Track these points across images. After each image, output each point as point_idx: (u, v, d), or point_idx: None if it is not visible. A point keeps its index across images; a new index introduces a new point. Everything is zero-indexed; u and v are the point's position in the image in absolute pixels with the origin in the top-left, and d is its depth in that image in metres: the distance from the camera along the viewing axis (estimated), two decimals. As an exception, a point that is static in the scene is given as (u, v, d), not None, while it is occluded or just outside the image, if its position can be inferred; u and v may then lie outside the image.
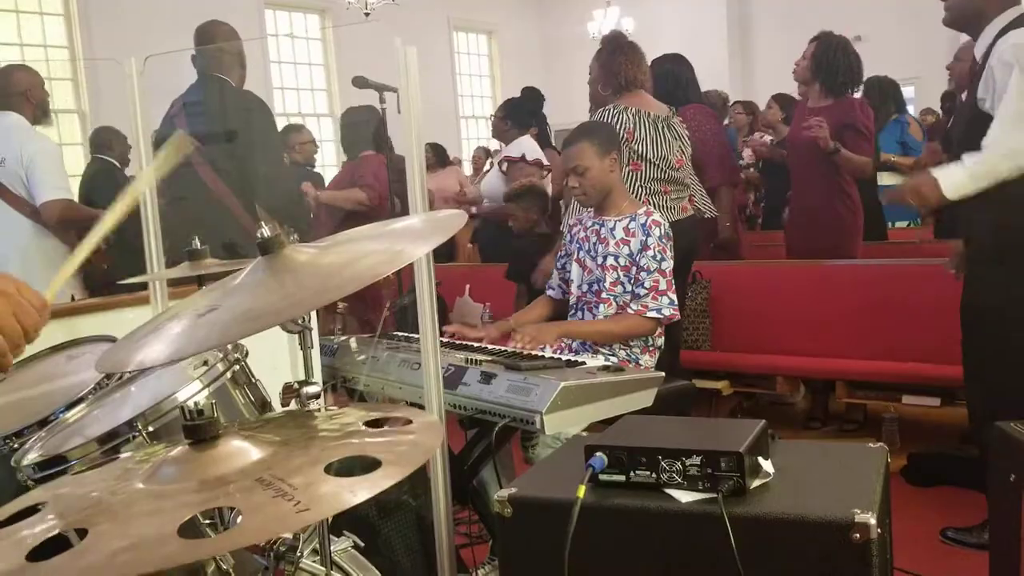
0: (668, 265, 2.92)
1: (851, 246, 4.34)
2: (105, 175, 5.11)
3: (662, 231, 2.94)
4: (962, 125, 2.95)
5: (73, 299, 3.59)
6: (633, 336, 2.94)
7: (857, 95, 4.47)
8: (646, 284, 2.90)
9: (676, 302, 2.93)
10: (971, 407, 3.01)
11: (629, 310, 2.92)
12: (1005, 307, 2.75)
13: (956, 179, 2.65)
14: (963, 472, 3.37)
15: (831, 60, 4.25)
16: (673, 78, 4.41)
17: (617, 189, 3.08)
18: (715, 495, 1.46)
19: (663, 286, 2.90)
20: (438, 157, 8.57)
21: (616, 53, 3.71)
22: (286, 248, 1.25)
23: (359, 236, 1.42)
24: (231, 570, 1.32)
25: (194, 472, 0.88)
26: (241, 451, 0.91)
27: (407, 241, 1.32)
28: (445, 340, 2.76)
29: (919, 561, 2.73)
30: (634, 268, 2.93)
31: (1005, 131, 2.62)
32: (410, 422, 0.99)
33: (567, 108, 7.45)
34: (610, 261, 2.98)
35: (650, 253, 2.91)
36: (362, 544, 1.73)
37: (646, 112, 3.58)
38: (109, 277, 4.25)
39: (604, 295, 2.99)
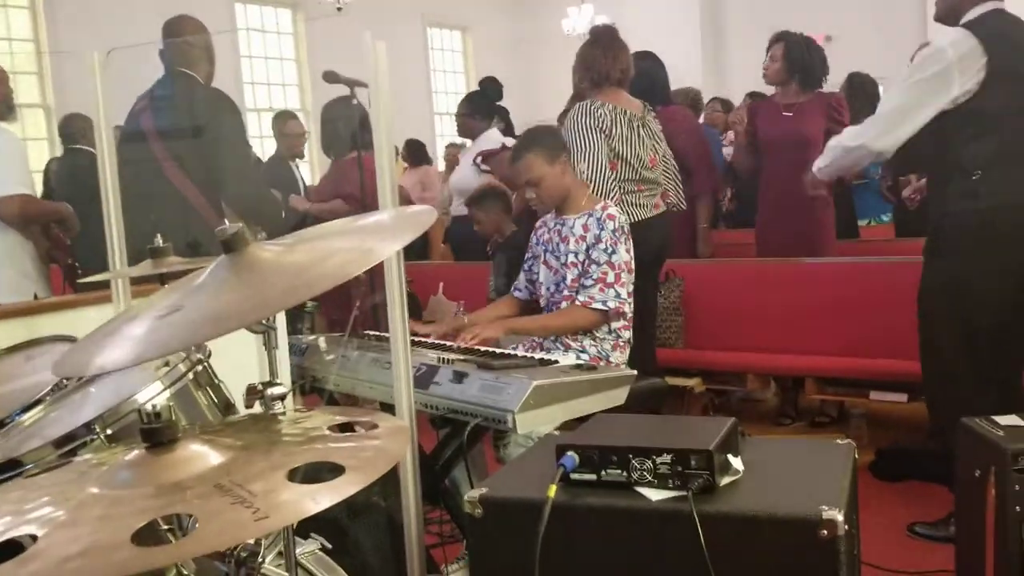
0: (619, 259, 2.90)
1: (826, 243, 4.38)
2: (86, 170, 4.90)
3: (615, 224, 2.92)
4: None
5: (36, 298, 3.54)
6: (577, 329, 2.92)
7: (826, 88, 4.49)
8: (594, 276, 2.89)
9: (623, 296, 2.90)
10: (928, 400, 3.06)
11: (576, 301, 2.91)
12: (944, 296, 2.86)
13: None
14: (929, 467, 3.40)
15: (805, 59, 4.27)
16: (649, 77, 4.39)
17: (575, 189, 3.07)
18: (685, 493, 1.46)
19: (611, 279, 2.88)
20: (412, 155, 8.51)
21: (593, 45, 3.68)
22: (250, 246, 1.23)
23: (326, 233, 1.40)
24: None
25: (151, 477, 0.85)
26: (200, 455, 0.88)
27: (376, 239, 1.29)
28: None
29: (886, 555, 2.75)
30: (587, 261, 2.93)
31: (873, 125, 2.93)
32: (376, 426, 0.97)
33: (540, 105, 7.45)
34: (570, 259, 2.97)
35: (601, 246, 2.90)
36: (329, 546, 1.71)
37: (623, 110, 3.57)
38: (76, 274, 4.19)
39: (566, 292, 2.98)
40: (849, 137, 3.01)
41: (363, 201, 4.20)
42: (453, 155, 9.28)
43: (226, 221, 1.26)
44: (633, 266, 2.96)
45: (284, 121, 5.78)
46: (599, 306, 2.87)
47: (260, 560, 0.98)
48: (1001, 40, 2.80)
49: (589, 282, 2.89)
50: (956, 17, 2.89)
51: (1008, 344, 2.93)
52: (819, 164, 3.15)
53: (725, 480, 1.52)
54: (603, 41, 3.69)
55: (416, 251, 6.18)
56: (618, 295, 2.88)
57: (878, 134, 2.89)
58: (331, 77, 3.88)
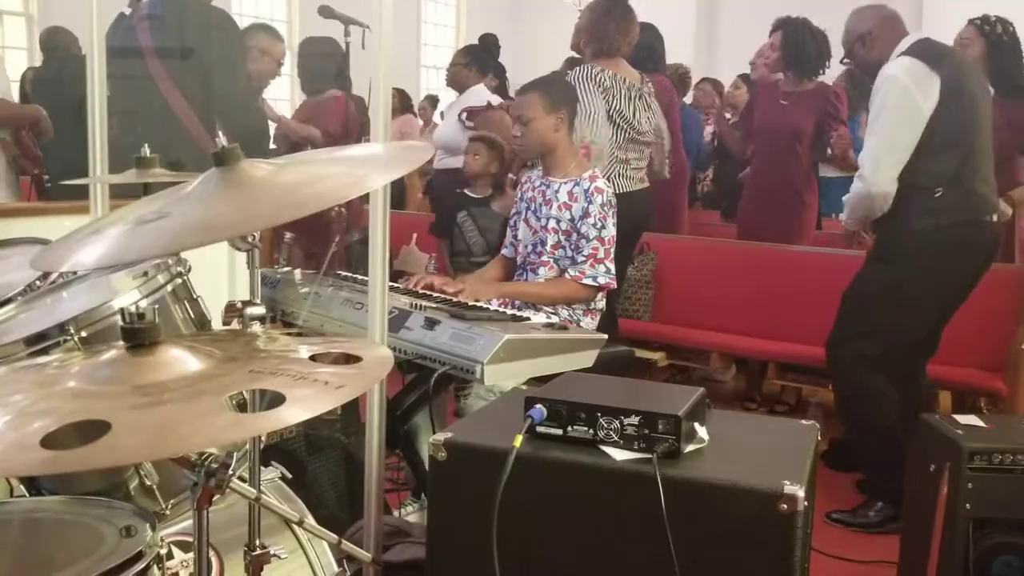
0: (608, 233, 2.91)
1: (806, 233, 4.41)
2: (69, 75, 4.63)
3: (604, 198, 2.91)
4: None
5: None
6: (569, 302, 2.94)
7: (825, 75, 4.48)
8: (585, 251, 2.89)
9: (613, 271, 2.92)
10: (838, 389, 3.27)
11: (567, 275, 2.91)
12: (884, 299, 2.99)
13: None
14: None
15: (801, 47, 4.25)
16: (648, 49, 4.36)
17: (563, 149, 3.02)
18: (650, 455, 1.47)
19: (601, 254, 2.89)
20: (402, 103, 8.39)
21: (606, 16, 3.64)
22: (242, 161, 1.20)
23: (318, 159, 1.38)
24: (155, 486, 1.29)
25: (129, 376, 0.84)
26: (180, 360, 0.87)
27: (370, 167, 1.27)
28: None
29: (832, 542, 2.81)
30: (575, 234, 2.92)
31: (864, 168, 2.98)
32: (359, 359, 0.95)
33: (531, 67, 7.36)
34: (552, 224, 2.96)
35: (591, 220, 2.89)
36: (289, 476, 1.70)
37: (622, 78, 3.55)
38: (43, 185, 4.10)
39: (545, 257, 2.98)
40: (853, 190, 3.07)
41: (346, 141, 4.13)
42: (426, 108, 9.17)
43: (219, 137, 1.23)
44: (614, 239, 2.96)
45: (262, 34, 4.31)
46: (590, 282, 2.88)
47: (230, 473, 0.97)
48: (945, 60, 2.93)
49: (580, 257, 2.89)
50: (880, 63, 3.02)
51: (926, 349, 3.16)
52: (843, 218, 3.24)
53: (690, 447, 1.53)
54: (616, 12, 3.65)
55: (393, 200, 6.12)
56: (608, 271, 2.90)
57: (873, 177, 2.96)
58: (327, 12, 3.81)
